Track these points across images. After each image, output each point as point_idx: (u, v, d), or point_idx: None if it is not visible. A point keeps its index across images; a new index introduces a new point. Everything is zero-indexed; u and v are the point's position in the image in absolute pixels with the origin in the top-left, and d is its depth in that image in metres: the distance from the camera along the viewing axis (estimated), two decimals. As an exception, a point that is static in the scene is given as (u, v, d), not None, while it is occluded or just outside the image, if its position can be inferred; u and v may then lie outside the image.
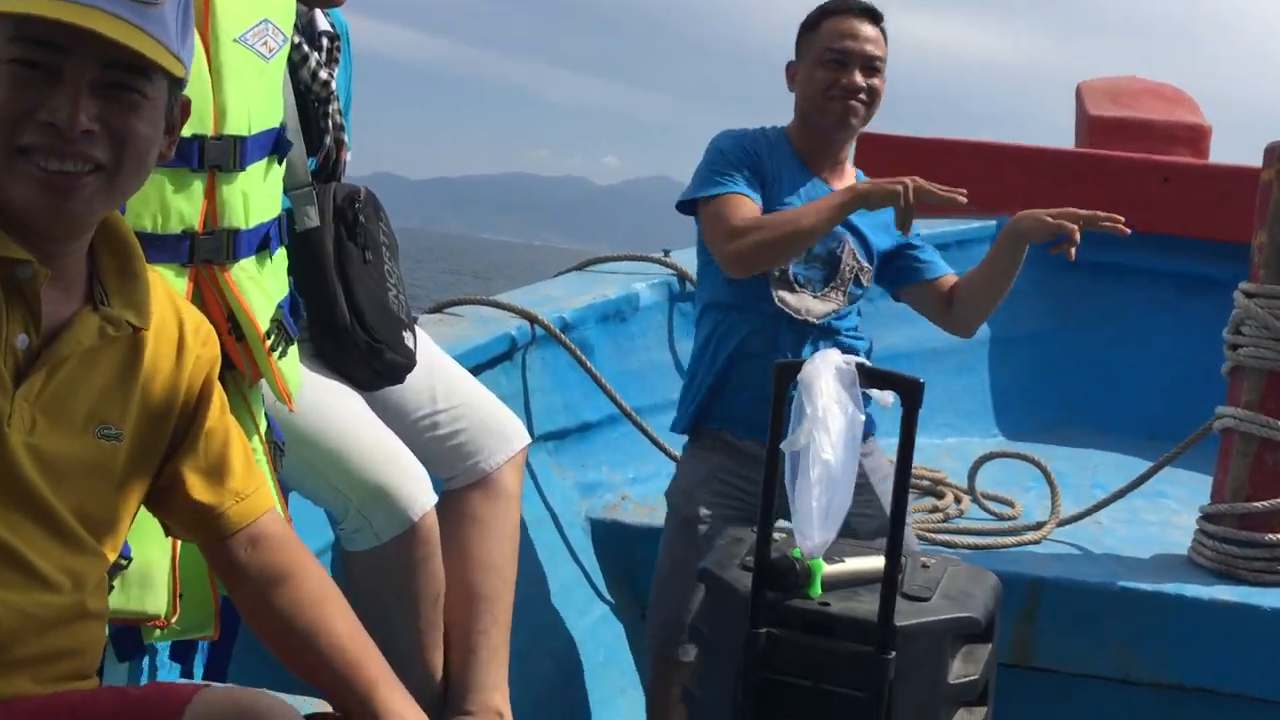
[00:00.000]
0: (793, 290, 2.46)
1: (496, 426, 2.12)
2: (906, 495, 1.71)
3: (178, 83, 1.22)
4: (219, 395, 1.37)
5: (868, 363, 1.74)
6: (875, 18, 2.49)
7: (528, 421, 2.95)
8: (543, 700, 2.47)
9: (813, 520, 1.70)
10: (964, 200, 2.25)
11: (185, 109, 1.28)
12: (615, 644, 2.84)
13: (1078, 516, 3.14)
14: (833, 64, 2.44)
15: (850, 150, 2.63)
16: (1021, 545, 2.96)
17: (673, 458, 3.09)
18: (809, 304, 2.46)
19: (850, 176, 2.59)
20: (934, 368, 4.62)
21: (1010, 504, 3.34)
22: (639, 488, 3.20)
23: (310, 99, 1.90)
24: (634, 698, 2.77)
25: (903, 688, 1.68)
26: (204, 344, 1.35)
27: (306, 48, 1.88)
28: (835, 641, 1.70)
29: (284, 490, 1.80)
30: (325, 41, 1.96)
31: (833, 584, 1.79)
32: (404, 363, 1.94)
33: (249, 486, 1.36)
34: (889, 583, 1.66)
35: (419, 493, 1.87)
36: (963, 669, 1.79)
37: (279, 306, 1.64)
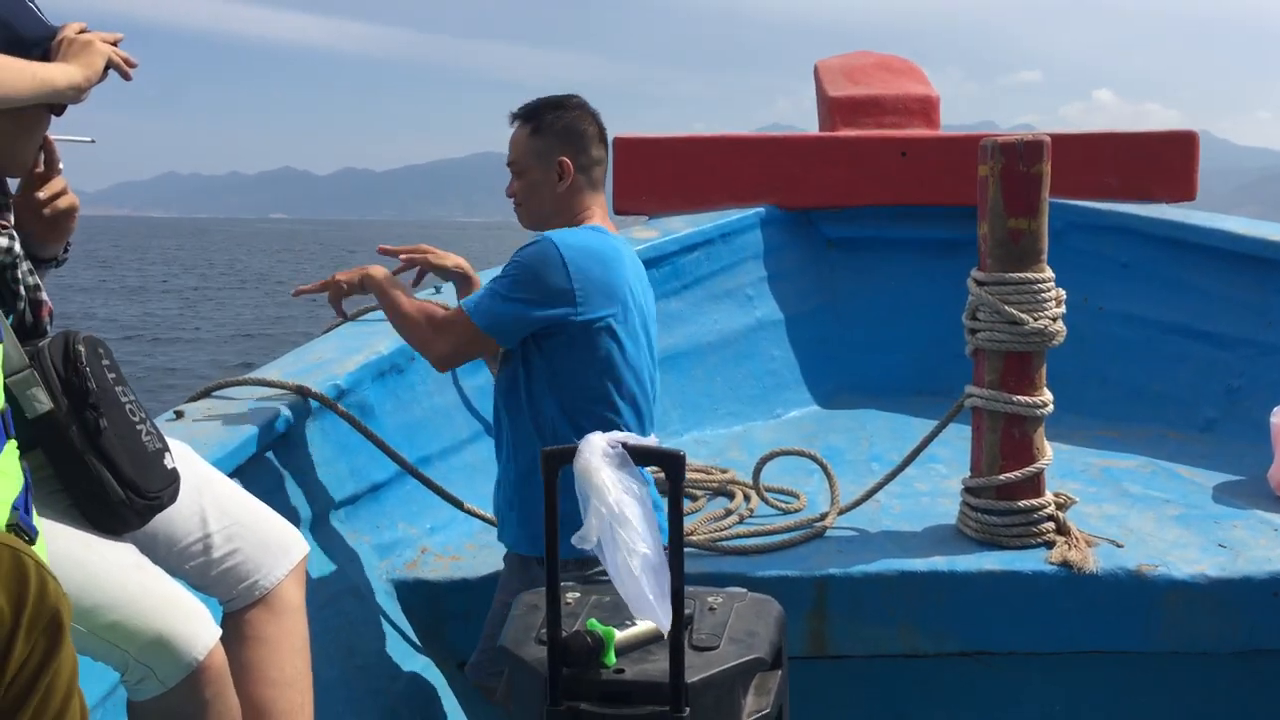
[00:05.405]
0: None
1: (272, 541, 2.07)
2: (682, 559, 1.79)
3: None
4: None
5: (631, 440, 1.81)
6: (513, 119, 2.57)
7: (317, 494, 2.91)
8: None
9: (655, 611, 1.76)
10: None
11: None
12: (434, 699, 2.84)
13: (856, 503, 3.32)
14: None
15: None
16: (808, 540, 3.13)
17: (459, 506, 3.12)
18: None
19: None
20: (712, 360, 4.80)
21: (795, 495, 3.50)
22: (437, 538, 3.19)
23: None
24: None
25: (701, 737, 1.79)
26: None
27: None
28: (632, 707, 1.78)
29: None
30: None
31: (626, 648, 1.88)
32: (173, 493, 1.88)
33: None
34: (675, 646, 1.75)
35: (200, 631, 1.79)
36: (756, 704, 1.90)
37: (13, 509, 1.50)
